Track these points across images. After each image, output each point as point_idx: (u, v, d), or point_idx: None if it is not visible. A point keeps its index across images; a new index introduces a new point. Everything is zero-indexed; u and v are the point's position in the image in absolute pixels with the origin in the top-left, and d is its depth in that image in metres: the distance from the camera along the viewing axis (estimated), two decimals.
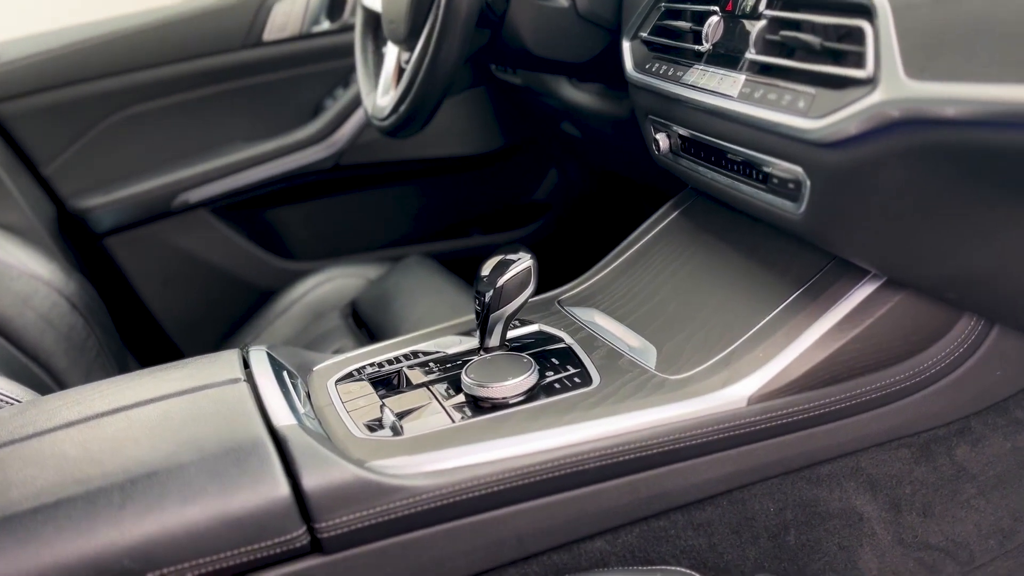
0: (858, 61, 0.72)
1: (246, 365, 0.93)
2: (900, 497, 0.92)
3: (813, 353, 0.84)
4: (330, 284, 1.65)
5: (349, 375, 0.96)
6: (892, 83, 0.67)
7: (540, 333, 1.00)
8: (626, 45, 1.13)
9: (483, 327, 0.94)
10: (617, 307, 1.03)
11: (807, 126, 0.76)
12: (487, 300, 0.92)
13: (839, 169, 0.75)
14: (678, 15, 1.02)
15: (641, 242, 1.12)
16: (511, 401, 0.85)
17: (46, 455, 0.74)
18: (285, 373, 0.91)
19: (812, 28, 0.79)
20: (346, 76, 1.82)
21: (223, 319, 1.77)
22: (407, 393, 0.90)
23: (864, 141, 0.71)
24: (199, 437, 0.75)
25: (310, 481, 0.73)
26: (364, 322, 1.56)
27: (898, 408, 0.88)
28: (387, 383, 0.95)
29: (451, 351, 0.98)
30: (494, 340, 0.95)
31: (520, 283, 0.93)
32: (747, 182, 0.89)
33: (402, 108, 1.23)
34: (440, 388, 0.90)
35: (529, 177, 2.02)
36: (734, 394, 0.83)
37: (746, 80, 0.87)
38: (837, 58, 0.76)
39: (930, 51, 0.65)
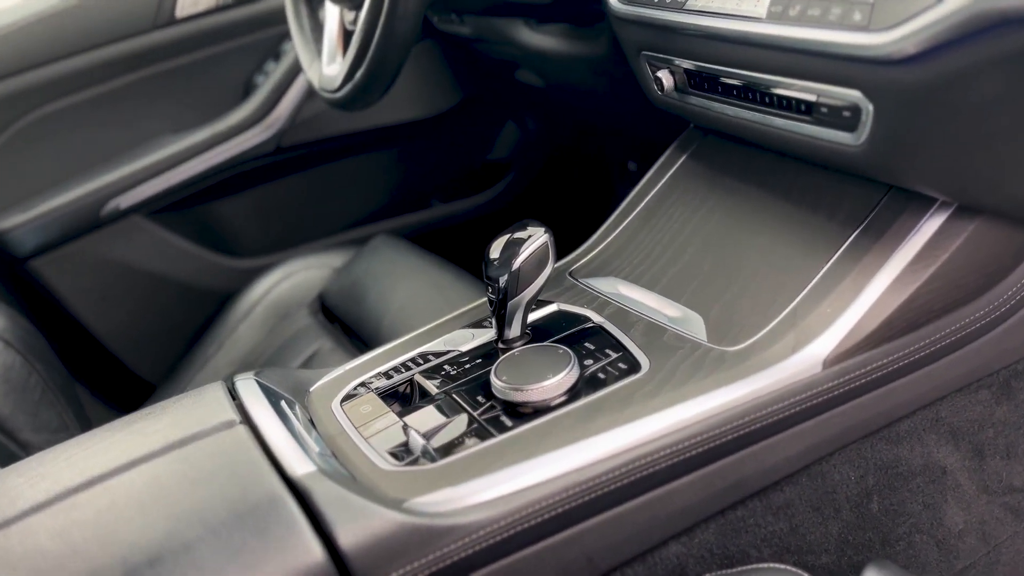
0: None
1: (232, 396, 0.80)
2: (983, 442, 0.84)
3: (887, 300, 0.74)
4: (292, 279, 1.50)
5: (354, 392, 0.83)
6: None
7: (561, 314, 0.88)
8: None
9: (500, 317, 0.82)
10: (641, 273, 0.91)
11: (869, 42, 0.64)
12: (503, 286, 0.80)
13: (914, 88, 0.64)
14: None
15: (651, 194, 1.00)
16: (553, 403, 0.73)
17: (17, 554, 0.60)
18: (283, 403, 0.78)
19: None
20: (275, 47, 1.64)
21: (178, 332, 1.60)
22: (428, 406, 0.78)
23: (950, 51, 0.60)
24: (203, 504, 0.62)
25: (347, 537, 0.61)
26: (336, 316, 1.42)
27: (977, 348, 0.79)
28: (400, 396, 0.82)
29: (465, 348, 0.86)
30: (514, 330, 0.83)
31: (538, 262, 0.81)
32: (784, 115, 0.78)
33: (358, 76, 1.08)
34: (465, 396, 0.78)
35: (485, 136, 1.88)
36: (807, 359, 0.73)
37: None
38: None
39: None
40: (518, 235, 0.83)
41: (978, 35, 0.58)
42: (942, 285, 0.74)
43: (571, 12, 1.23)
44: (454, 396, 0.78)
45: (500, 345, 0.84)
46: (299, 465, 0.66)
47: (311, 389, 0.85)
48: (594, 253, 0.98)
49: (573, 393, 0.74)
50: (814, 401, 0.73)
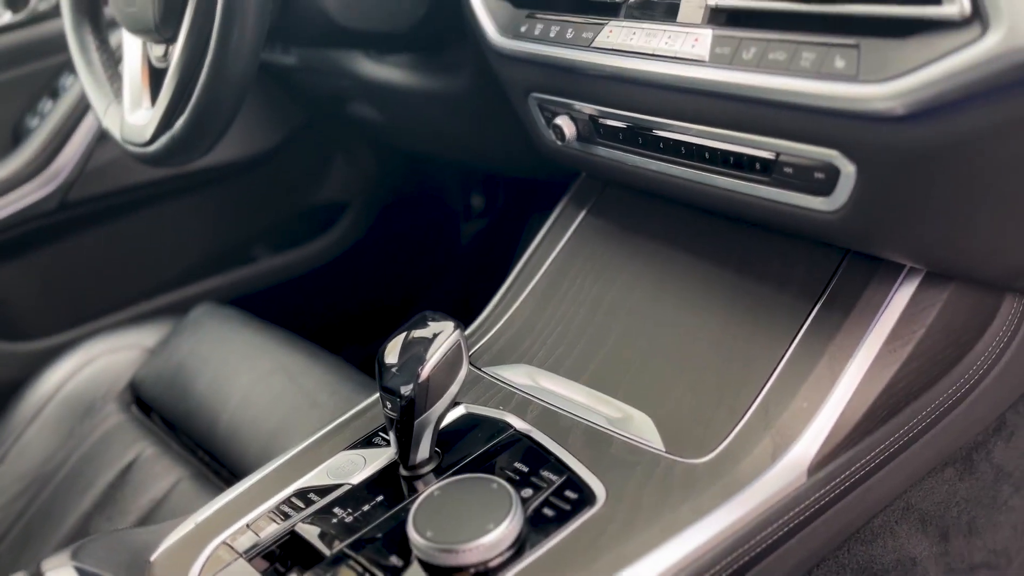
0: None
1: None
2: (947, 523, 0.76)
3: (868, 388, 0.63)
4: (94, 365, 1.23)
5: (216, 559, 0.62)
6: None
7: (472, 419, 0.72)
8: (476, 2, 0.84)
9: (405, 439, 0.65)
10: (559, 359, 0.76)
11: (862, 95, 0.53)
12: (409, 397, 0.62)
13: (912, 150, 0.53)
14: None
15: (551, 258, 0.86)
16: (494, 562, 0.57)
17: None
18: None
19: None
20: (50, 82, 1.35)
21: None
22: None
23: (969, 108, 0.50)
24: None
25: None
26: (155, 410, 1.17)
27: (946, 425, 0.71)
28: (281, 559, 0.63)
29: (358, 480, 0.67)
30: (422, 453, 0.66)
31: (450, 367, 0.64)
32: (732, 175, 0.66)
33: (177, 125, 0.86)
34: (374, 557, 0.59)
35: (312, 175, 1.66)
36: (790, 468, 0.61)
37: (716, 36, 0.62)
38: None
39: None
40: (419, 333, 0.65)
41: (1006, 91, 0.48)
42: (921, 364, 0.65)
43: (429, 42, 1.07)
44: (359, 559, 0.59)
45: (405, 473, 0.67)
46: None
47: (153, 559, 0.64)
48: (494, 332, 0.83)
49: (519, 545, 0.58)
50: (801, 516, 0.62)
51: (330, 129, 1.64)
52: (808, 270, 0.69)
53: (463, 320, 0.87)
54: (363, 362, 1.17)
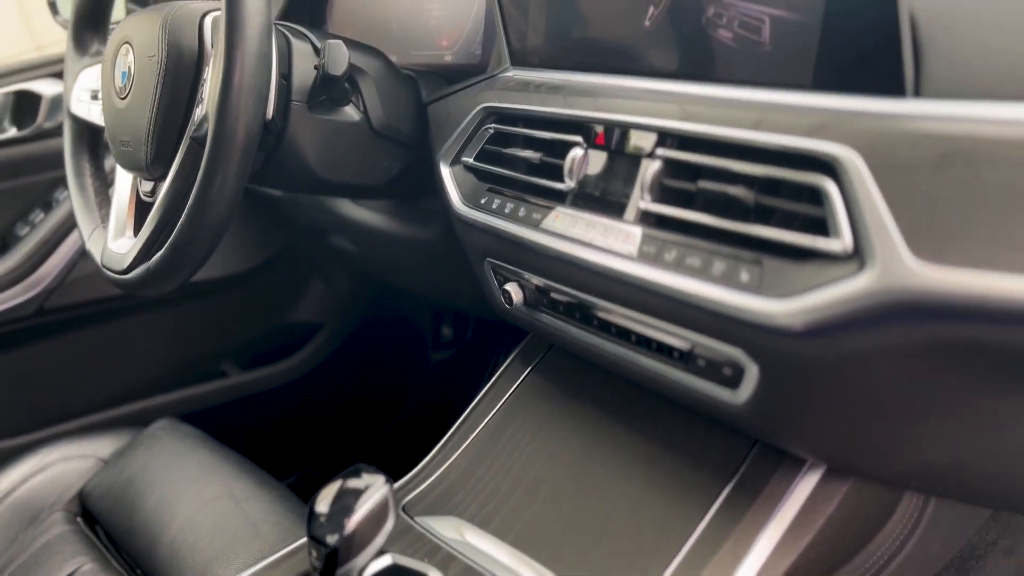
0: (819, 226, 0.57)
1: None
2: None
3: (770, 572, 0.67)
4: (47, 472, 1.25)
5: None
6: (892, 264, 0.52)
7: (396, 571, 0.74)
8: (445, 171, 0.92)
9: None
10: (488, 515, 0.80)
11: (761, 308, 0.59)
12: (333, 547, 0.65)
13: (806, 360, 0.59)
14: (516, 142, 0.83)
15: (492, 413, 0.90)
16: None
17: None
18: None
19: (732, 176, 0.64)
20: (45, 194, 1.42)
21: None
22: None
23: (850, 332, 0.56)
24: None
25: None
26: (101, 523, 1.18)
27: None
28: None
29: None
30: None
31: (377, 519, 0.68)
32: (654, 357, 0.71)
33: (154, 260, 0.92)
34: None
35: (289, 295, 1.72)
36: None
37: (645, 235, 0.69)
38: (780, 217, 0.61)
39: (943, 228, 0.52)
40: (352, 483, 0.69)
41: (879, 322, 0.54)
42: (820, 552, 0.69)
43: (404, 195, 1.14)
44: None
45: None
46: None
47: None
48: (431, 481, 0.86)
49: None
50: None
51: (310, 253, 1.71)
52: (723, 451, 0.74)
53: (421, 452, 0.91)
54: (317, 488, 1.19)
